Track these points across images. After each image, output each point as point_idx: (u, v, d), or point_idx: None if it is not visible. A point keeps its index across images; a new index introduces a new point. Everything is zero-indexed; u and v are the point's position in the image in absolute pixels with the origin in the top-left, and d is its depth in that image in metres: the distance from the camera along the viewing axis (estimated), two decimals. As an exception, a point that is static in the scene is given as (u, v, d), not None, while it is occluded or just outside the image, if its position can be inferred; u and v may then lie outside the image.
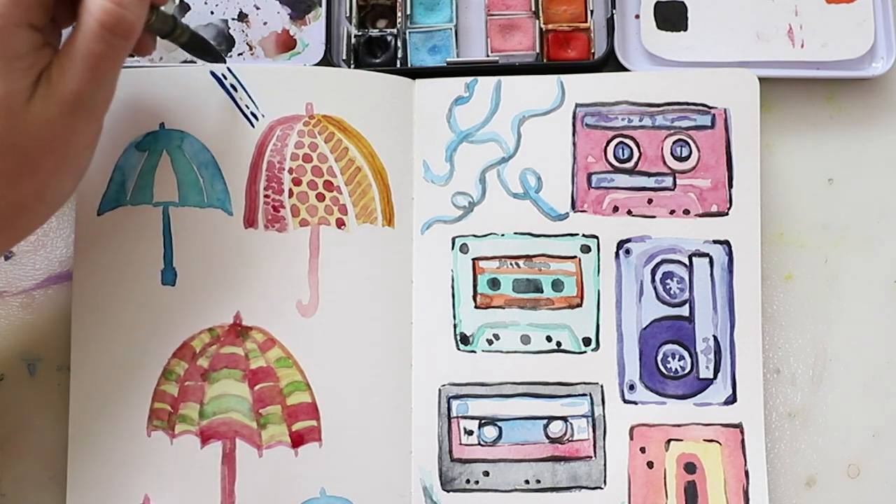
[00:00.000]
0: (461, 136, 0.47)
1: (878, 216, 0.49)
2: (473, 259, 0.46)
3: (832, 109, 0.50)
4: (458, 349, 0.46)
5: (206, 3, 0.50)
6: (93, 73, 0.36)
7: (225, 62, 0.46)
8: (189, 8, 0.50)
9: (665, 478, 0.45)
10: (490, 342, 0.46)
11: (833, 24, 0.48)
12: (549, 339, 0.46)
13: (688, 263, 0.46)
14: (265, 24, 0.50)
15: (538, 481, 0.45)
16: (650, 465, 0.45)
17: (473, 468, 0.45)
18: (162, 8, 0.41)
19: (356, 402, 0.45)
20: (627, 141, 0.47)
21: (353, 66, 0.49)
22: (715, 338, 0.45)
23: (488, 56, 0.49)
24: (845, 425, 0.47)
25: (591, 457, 0.45)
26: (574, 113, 0.47)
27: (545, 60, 0.49)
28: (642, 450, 0.45)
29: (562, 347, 0.46)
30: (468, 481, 0.45)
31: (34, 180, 0.37)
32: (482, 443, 0.45)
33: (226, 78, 0.46)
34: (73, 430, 0.45)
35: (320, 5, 0.50)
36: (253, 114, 0.46)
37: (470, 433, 0.45)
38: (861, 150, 0.49)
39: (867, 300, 0.48)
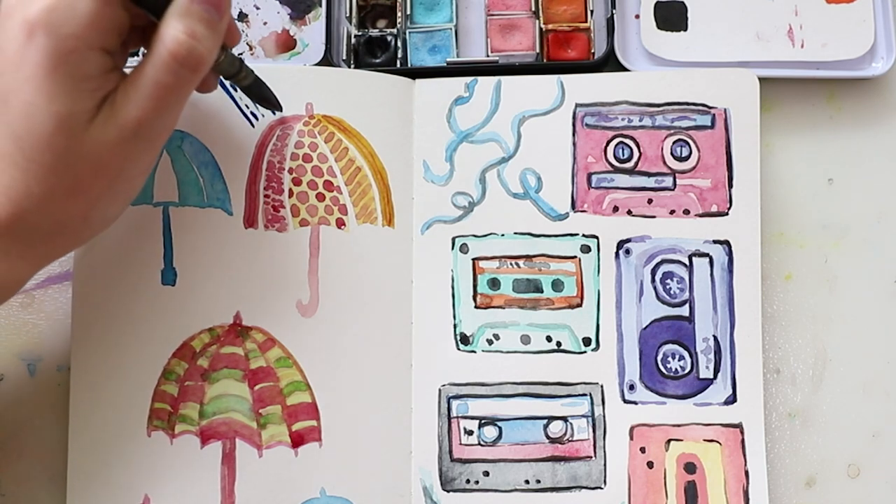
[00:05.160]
0: (461, 136, 0.47)
1: (878, 216, 0.49)
2: (473, 259, 0.46)
3: (832, 109, 0.50)
4: (458, 349, 0.46)
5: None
6: (157, 103, 0.36)
7: (282, 110, 0.45)
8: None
9: (665, 478, 0.45)
10: (490, 342, 0.46)
11: (833, 24, 0.48)
12: (549, 339, 0.46)
13: (688, 263, 0.46)
14: (265, 24, 0.50)
15: (538, 481, 0.45)
16: (650, 465, 0.45)
17: (473, 468, 0.45)
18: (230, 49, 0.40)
19: (356, 402, 0.45)
20: (627, 141, 0.47)
21: (353, 66, 0.49)
22: (715, 338, 0.45)
23: (488, 56, 0.49)
24: (845, 425, 0.47)
25: (591, 457, 0.45)
26: (574, 113, 0.47)
27: (545, 60, 0.49)
28: (642, 450, 0.45)
29: (562, 347, 0.46)
30: (468, 481, 0.45)
31: (82, 201, 0.37)
32: (482, 443, 0.45)
33: (226, 78, 0.46)
34: (73, 430, 0.45)
35: (320, 5, 0.50)
36: (253, 114, 0.46)
37: (470, 433, 0.45)
38: (861, 150, 0.49)
39: (867, 300, 0.48)
